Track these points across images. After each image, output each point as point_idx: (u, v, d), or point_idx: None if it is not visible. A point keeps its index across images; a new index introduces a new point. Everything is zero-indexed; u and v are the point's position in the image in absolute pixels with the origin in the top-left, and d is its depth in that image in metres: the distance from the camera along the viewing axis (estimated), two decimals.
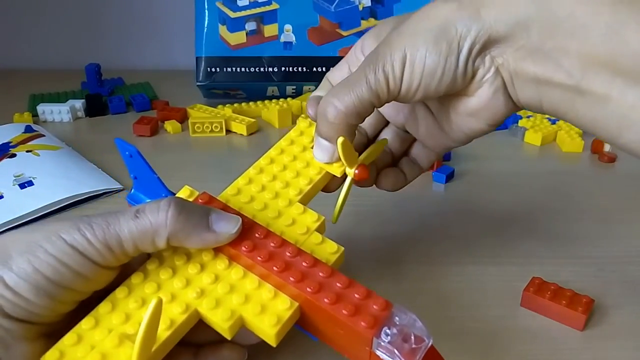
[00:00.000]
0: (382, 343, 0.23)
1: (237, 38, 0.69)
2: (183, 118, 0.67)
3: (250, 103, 0.70)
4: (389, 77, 0.28)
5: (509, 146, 0.60)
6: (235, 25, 0.69)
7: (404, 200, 0.48)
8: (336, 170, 0.32)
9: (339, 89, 0.29)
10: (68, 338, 0.24)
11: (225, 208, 0.29)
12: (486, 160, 0.56)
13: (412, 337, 0.23)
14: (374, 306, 0.24)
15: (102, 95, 0.71)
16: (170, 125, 0.64)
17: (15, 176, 0.48)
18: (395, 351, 0.23)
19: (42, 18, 0.90)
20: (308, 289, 0.25)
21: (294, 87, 0.71)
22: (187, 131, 0.64)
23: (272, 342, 0.25)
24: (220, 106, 0.68)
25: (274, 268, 0.26)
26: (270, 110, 0.66)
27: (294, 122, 0.66)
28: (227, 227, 0.27)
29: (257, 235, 0.27)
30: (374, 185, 0.36)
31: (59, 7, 0.89)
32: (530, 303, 0.34)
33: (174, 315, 0.25)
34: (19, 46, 0.92)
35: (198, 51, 0.69)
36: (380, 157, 0.35)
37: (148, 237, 0.25)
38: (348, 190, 0.32)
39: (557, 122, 0.63)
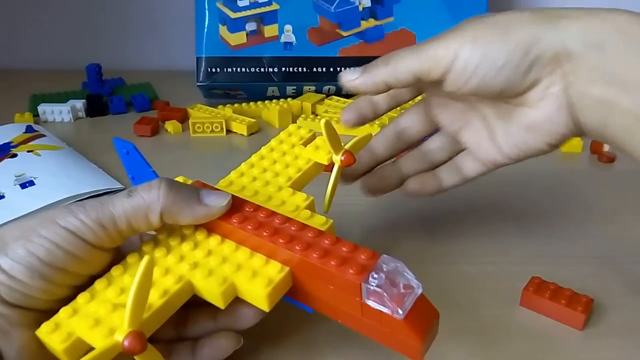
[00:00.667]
0: (370, 287, 0.23)
1: (237, 38, 0.69)
2: (183, 118, 0.67)
3: (251, 103, 0.70)
4: (448, 50, 0.28)
5: None
6: (236, 25, 0.69)
7: (403, 200, 0.48)
8: (323, 158, 0.33)
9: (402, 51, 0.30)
10: (64, 311, 0.25)
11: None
12: None
13: (401, 284, 0.23)
14: (362, 256, 0.25)
15: (102, 96, 0.71)
16: (171, 126, 0.64)
17: (16, 176, 0.48)
18: (385, 295, 0.23)
19: (43, 18, 0.90)
20: (297, 247, 0.25)
21: (294, 87, 0.71)
22: (187, 131, 0.64)
23: (265, 304, 0.25)
24: (220, 106, 0.68)
25: (264, 233, 0.26)
26: (271, 111, 0.67)
27: (294, 122, 0.66)
28: (218, 200, 0.28)
29: (247, 209, 0.28)
30: (404, 191, 0.37)
31: (60, 7, 0.89)
32: (530, 302, 0.34)
33: (168, 286, 0.25)
34: (20, 46, 0.92)
35: (198, 51, 0.69)
36: (416, 163, 0.36)
37: (141, 214, 0.26)
38: (337, 177, 0.33)
39: None
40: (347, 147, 0.33)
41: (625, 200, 0.48)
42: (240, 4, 0.68)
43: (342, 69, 0.70)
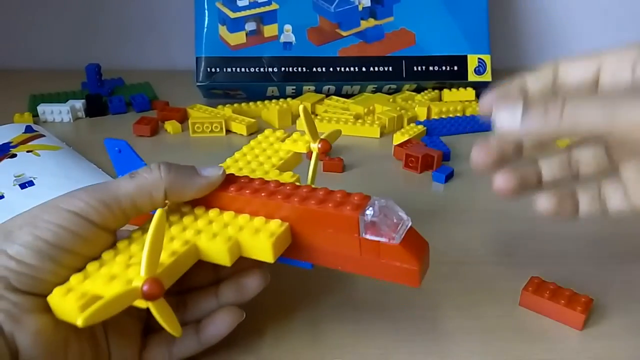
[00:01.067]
0: (367, 220, 0.26)
1: (236, 38, 0.69)
2: (183, 118, 0.67)
3: (250, 103, 0.70)
4: None
5: None
6: (235, 25, 0.69)
7: (403, 199, 0.48)
8: (302, 148, 0.36)
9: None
10: (74, 278, 0.25)
11: None
12: None
13: (393, 216, 0.26)
14: (355, 198, 0.27)
15: (102, 96, 0.71)
16: (170, 126, 0.64)
17: (15, 176, 0.48)
18: (381, 224, 0.26)
19: (42, 18, 0.90)
20: (295, 199, 0.27)
21: (294, 87, 0.71)
22: (187, 131, 0.64)
23: (270, 256, 0.27)
24: (220, 106, 0.68)
25: (262, 194, 0.28)
26: (270, 111, 0.67)
27: (293, 122, 0.66)
28: (214, 171, 0.30)
29: (242, 180, 0.30)
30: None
31: (59, 7, 0.89)
32: (529, 302, 0.34)
33: (176, 248, 0.27)
34: (19, 46, 0.92)
35: (198, 51, 0.69)
36: (557, 169, 0.31)
37: (145, 193, 0.27)
38: (315, 164, 0.36)
39: None
40: (322, 137, 0.35)
41: None
42: (239, 3, 0.68)
43: (342, 68, 0.70)
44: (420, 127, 0.61)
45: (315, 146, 0.35)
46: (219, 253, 0.27)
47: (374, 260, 0.27)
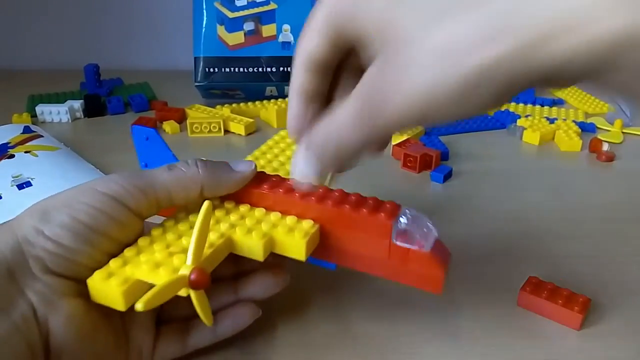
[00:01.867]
0: (400, 227, 0.27)
1: (235, 38, 0.69)
2: (181, 118, 0.67)
3: (249, 103, 0.70)
4: None
5: (507, 145, 0.60)
6: (234, 25, 0.69)
7: (402, 199, 0.48)
8: None
9: None
10: (114, 262, 0.25)
11: None
12: (484, 159, 0.56)
13: (423, 226, 0.28)
14: (387, 205, 0.29)
15: (100, 96, 0.71)
16: (169, 126, 0.64)
17: (13, 177, 0.48)
18: (414, 232, 0.27)
19: (41, 18, 0.90)
20: (329, 202, 0.28)
21: None
22: (185, 131, 0.64)
23: (302, 254, 0.27)
24: (218, 106, 0.68)
25: (296, 194, 0.29)
26: (269, 110, 0.66)
27: None
28: (247, 165, 0.30)
29: (273, 179, 0.31)
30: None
31: (58, 8, 0.89)
32: (527, 302, 0.34)
33: (212, 240, 0.27)
34: (18, 46, 0.92)
35: (196, 51, 0.69)
36: None
37: (182, 186, 0.27)
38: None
39: (555, 121, 0.63)
40: None
41: (623, 199, 0.48)
42: (238, 3, 0.68)
43: None
44: (419, 126, 0.61)
45: None
46: (253, 248, 0.27)
47: (401, 266, 0.28)
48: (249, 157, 0.37)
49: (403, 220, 0.28)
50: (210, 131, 0.63)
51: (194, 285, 0.24)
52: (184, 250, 0.26)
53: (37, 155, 0.52)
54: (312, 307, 0.34)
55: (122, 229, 0.26)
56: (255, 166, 0.30)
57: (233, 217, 0.29)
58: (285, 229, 0.28)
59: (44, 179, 0.48)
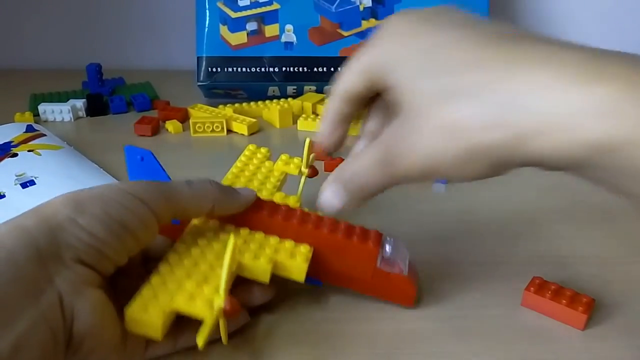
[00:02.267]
0: (385, 255, 0.32)
1: (238, 38, 0.69)
2: (184, 118, 0.67)
3: (251, 103, 0.70)
4: None
5: None
6: (236, 25, 0.69)
7: (404, 200, 0.48)
8: (294, 170, 0.41)
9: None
10: (146, 290, 0.27)
11: None
12: None
13: (401, 250, 0.33)
14: (372, 234, 0.33)
15: (103, 95, 0.71)
16: (171, 125, 0.64)
17: (17, 175, 0.48)
18: (396, 259, 0.33)
19: (43, 18, 0.90)
20: (324, 230, 0.32)
21: (295, 87, 0.71)
22: (188, 131, 0.64)
23: (303, 276, 0.31)
24: (221, 106, 0.68)
25: (293, 221, 0.33)
26: (271, 110, 0.66)
27: (294, 122, 0.66)
28: (249, 191, 0.33)
29: (269, 205, 0.34)
30: None
31: (60, 7, 0.89)
32: (531, 302, 0.34)
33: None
34: (20, 46, 0.92)
35: (199, 51, 0.69)
36: None
37: (197, 201, 0.30)
38: (303, 185, 0.40)
39: None
40: (311, 161, 0.41)
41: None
42: (240, 3, 0.68)
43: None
44: None
45: (305, 170, 0.40)
46: (262, 272, 0.30)
47: (381, 286, 0.33)
48: (226, 180, 0.39)
49: (388, 248, 0.33)
50: (213, 131, 0.63)
51: (228, 314, 0.27)
52: (206, 278, 0.29)
53: (40, 154, 0.52)
54: (312, 307, 0.34)
55: (145, 230, 0.27)
56: (256, 193, 0.34)
57: (239, 242, 0.31)
58: (287, 253, 0.31)
59: (47, 177, 0.48)
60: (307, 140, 0.39)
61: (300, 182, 0.41)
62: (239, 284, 0.31)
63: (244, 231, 0.33)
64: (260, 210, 0.33)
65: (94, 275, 0.26)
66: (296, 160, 0.42)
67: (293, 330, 0.33)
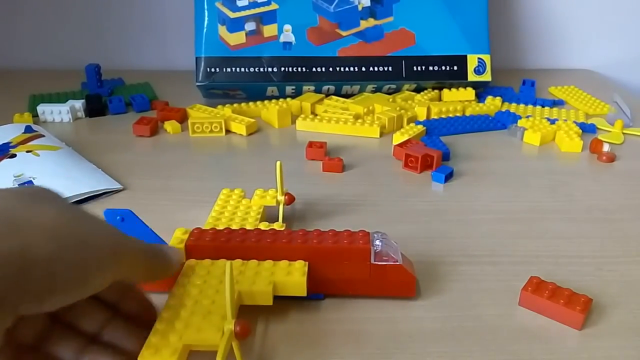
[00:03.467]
0: (377, 249, 0.34)
1: (236, 38, 0.69)
2: (183, 118, 0.67)
3: (250, 103, 0.70)
4: None
5: (508, 146, 0.60)
6: (235, 25, 0.69)
7: (403, 199, 0.48)
8: (272, 201, 0.43)
9: None
10: (153, 336, 0.27)
11: (214, 237, 0.35)
12: (485, 160, 0.56)
13: (391, 244, 0.34)
14: (360, 234, 0.34)
15: (101, 96, 0.71)
16: (170, 126, 0.64)
17: (15, 176, 0.48)
18: (388, 251, 0.34)
19: (42, 18, 0.90)
20: (314, 241, 0.33)
21: (294, 87, 0.71)
22: (186, 131, 0.64)
23: (304, 291, 0.32)
24: (219, 106, 0.68)
25: (283, 240, 0.34)
26: (270, 110, 0.67)
27: (293, 122, 0.66)
28: (175, 251, 0.31)
29: (254, 232, 0.35)
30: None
31: (59, 8, 0.89)
32: (529, 302, 0.34)
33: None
34: (19, 46, 0.92)
35: (198, 51, 0.69)
36: None
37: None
38: (283, 211, 0.43)
39: (556, 122, 0.63)
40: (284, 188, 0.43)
41: (624, 200, 0.48)
42: (239, 3, 0.68)
43: (341, 68, 0.70)
44: (420, 127, 0.61)
45: (281, 198, 0.42)
46: (263, 296, 0.31)
47: (380, 281, 0.34)
48: (207, 224, 0.39)
49: (378, 242, 0.34)
50: (211, 131, 0.63)
51: (240, 335, 0.28)
52: (210, 312, 0.29)
53: (38, 155, 0.52)
54: (310, 308, 0.35)
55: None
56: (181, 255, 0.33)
57: (234, 272, 0.32)
58: (284, 272, 0.32)
59: (45, 178, 0.48)
60: (278, 164, 0.41)
61: (279, 210, 0.42)
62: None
63: (237, 262, 0.33)
64: (248, 238, 0.34)
65: None
66: (271, 191, 0.43)
67: (291, 330, 0.33)
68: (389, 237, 0.34)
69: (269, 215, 0.43)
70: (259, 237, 0.34)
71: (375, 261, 0.33)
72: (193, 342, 0.27)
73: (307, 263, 0.33)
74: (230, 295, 0.27)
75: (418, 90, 0.73)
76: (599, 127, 0.64)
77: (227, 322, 0.28)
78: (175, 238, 0.35)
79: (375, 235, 0.34)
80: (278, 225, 0.40)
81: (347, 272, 0.33)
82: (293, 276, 0.32)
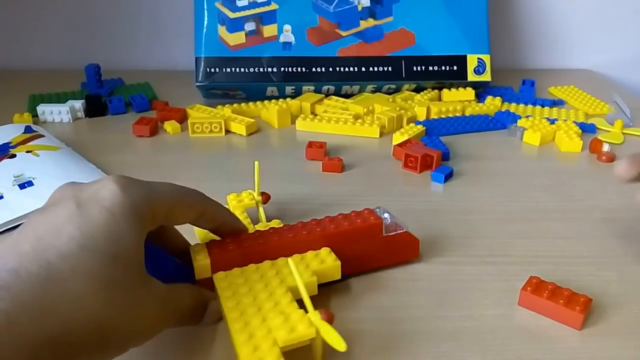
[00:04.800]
0: (387, 222, 0.37)
1: (236, 38, 0.69)
2: (182, 118, 0.67)
3: (250, 103, 0.70)
4: None
5: (508, 146, 0.60)
6: (235, 25, 0.69)
7: (403, 199, 0.48)
8: (251, 203, 0.43)
9: None
10: (244, 348, 0.27)
11: (235, 245, 0.34)
12: (485, 160, 0.56)
13: (392, 215, 0.38)
14: (365, 212, 0.38)
15: (101, 96, 0.71)
16: (170, 126, 0.64)
17: (15, 176, 0.48)
18: (396, 222, 0.37)
19: (42, 18, 0.90)
20: (332, 227, 0.36)
21: (293, 87, 0.71)
22: (186, 131, 0.64)
23: (339, 274, 0.34)
24: (219, 106, 0.68)
25: (303, 233, 0.35)
26: (270, 111, 0.67)
27: (293, 122, 0.66)
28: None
29: (272, 230, 0.36)
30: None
31: (59, 8, 0.89)
32: (528, 302, 0.34)
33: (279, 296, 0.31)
34: (19, 47, 0.92)
35: (197, 51, 0.69)
36: None
37: (187, 196, 0.32)
38: (262, 209, 0.43)
39: (555, 122, 0.63)
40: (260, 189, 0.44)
41: (624, 200, 0.48)
42: (239, 3, 0.68)
43: (341, 68, 0.70)
44: (420, 127, 0.61)
45: (259, 198, 0.44)
46: (310, 286, 0.32)
47: (391, 251, 0.37)
48: (198, 231, 0.39)
49: (386, 216, 0.37)
50: (211, 131, 0.63)
51: (329, 322, 0.28)
52: (283, 311, 0.29)
53: (38, 155, 0.52)
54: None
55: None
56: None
57: (270, 274, 0.33)
58: (317, 261, 0.34)
59: (45, 178, 0.48)
60: (256, 164, 0.41)
61: (258, 210, 0.43)
62: None
63: (266, 264, 0.34)
64: (268, 238, 0.35)
65: None
66: (244, 193, 0.44)
67: None
68: (384, 209, 0.38)
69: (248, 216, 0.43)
70: (279, 235, 0.35)
71: (386, 233, 0.37)
72: (288, 342, 0.27)
73: (330, 249, 0.35)
74: (304, 287, 0.29)
75: (418, 90, 0.73)
76: (598, 127, 0.64)
77: (311, 313, 0.28)
78: (197, 257, 0.33)
79: (378, 210, 0.38)
80: (275, 223, 0.41)
81: (364, 249, 0.36)
82: (326, 263, 0.34)
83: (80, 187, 0.28)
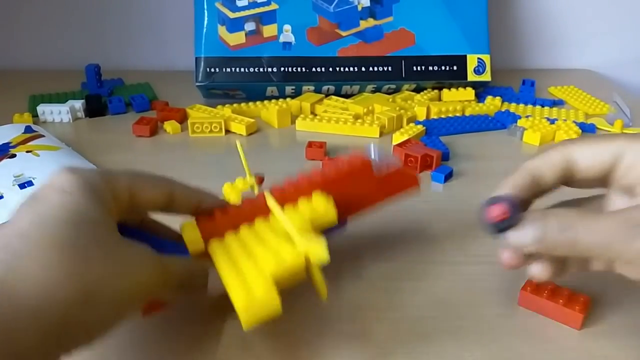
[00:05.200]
0: (376, 162, 0.36)
1: (236, 38, 0.69)
2: (182, 118, 0.67)
3: (250, 103, 0.70)
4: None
5: (508, 146, 0.60)
6: (235, 25, 0.69)
7: (402, 199, 0.48)
8: (246, 186, 0.41)
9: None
10: (236, 282, 0.27)
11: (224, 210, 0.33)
12: (485, 160, 0.56)
13: (383, 152, 0.37)
14: (353, 155, 0.36)
15: (101, 96, 0.71)
16: (170, 126, 0.64)
17: (15, 176, 0.48)
18: (385, 159, 0.36)
19: (42, 18, 0.90)
20: (319, 177, 0.35)
21: (293, 87, 0.71)
22: (186, 131, 0.64)
23: (335, 217, 0.33)
24: (219, 106, 0.68)
25: (291, 187, 0.34)
26: (270, 111, 0.67)
27: (293, 122, 0.66)
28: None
29: (259, 195, 0.35)
30: None
31: (59, 8, 0.89)
32: (528, 302, 0.34)
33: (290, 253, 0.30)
34: (19, 46, 0.92)
35: (197, 51, 0.69)
36: None
37: (156, 180, 0.31)
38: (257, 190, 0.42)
39: (555, 122, 0.63)
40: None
41: None
42: (239, 3, 0.69)
43: (341, 68, 0.70)
44: (420, 127, 0.61)
45: (252, 181, 0.42)
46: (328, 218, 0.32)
47: (388, 187, 0.36)
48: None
49: (374, 155, 0.36)
50: (211, 131, 0.63)
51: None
52: (271, 247, 0.29)
53: (38, 155, 0.52)
54: (308, 307, 0.35)
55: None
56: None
57: (264, 229, 0.32)
58: (311, 206, 0.33)
59: (45, 178, 0.48)
60: (238, 144, 0.40)
61: (255, 193, 0.41)
62: None
63: (258, 221, 0.33)
64: (257, 199, 0.34)
65: None
66: (238, 180, 0.42)
67: (289, 330, 0.33)
68: (378, 147, 0.37)
69: None
70: (282, 188, 0.34)
71: (376, 171, 0.36)
72: (279, 271, 0.27)
73: (322, 193, 0.33)
74: (290, 219, 0.29)
75: (418, 90, 0.73)
76: (598, 127, 0.64)
77: (301, 238, 0.28)
78: (186, 231, 0.33)
79: (370, 147, 0.37)
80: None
81: (358, 190, 0.35)
82: (322, 207, 0.33)
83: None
